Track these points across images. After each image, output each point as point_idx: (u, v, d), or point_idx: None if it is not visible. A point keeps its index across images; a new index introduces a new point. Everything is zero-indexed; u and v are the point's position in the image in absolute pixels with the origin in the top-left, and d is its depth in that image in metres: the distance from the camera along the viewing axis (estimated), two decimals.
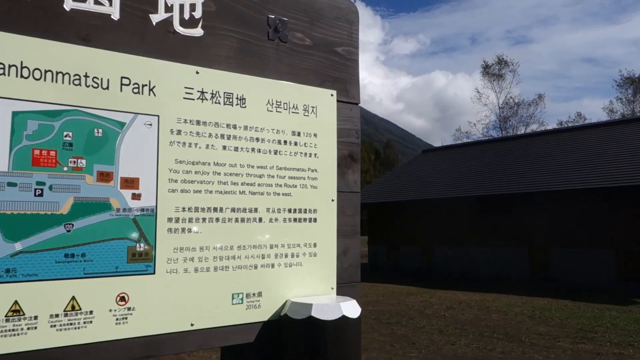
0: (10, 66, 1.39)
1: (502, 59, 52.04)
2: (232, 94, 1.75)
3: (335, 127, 1.99)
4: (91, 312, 1.46)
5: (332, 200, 1.96)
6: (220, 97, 1.72)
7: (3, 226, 1.35)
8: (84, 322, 1.45)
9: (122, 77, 1.55)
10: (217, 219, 1.69)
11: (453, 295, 14.55)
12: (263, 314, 1.77)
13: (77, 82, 1.47)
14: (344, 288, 1.98)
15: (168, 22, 1.64)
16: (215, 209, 1.68)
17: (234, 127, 1.74)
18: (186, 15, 1.67)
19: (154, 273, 1.56)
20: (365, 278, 19.32)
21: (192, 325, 1.63)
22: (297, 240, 1.86)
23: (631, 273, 15.04)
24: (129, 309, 1.52)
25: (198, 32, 1.70)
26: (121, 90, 1.54)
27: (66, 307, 1.43)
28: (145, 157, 1.57)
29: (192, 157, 1.65)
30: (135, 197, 1.54)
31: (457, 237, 19.52)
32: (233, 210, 1.72)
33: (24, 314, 1.37)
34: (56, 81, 1.44)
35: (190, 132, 1.66)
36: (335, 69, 2.01)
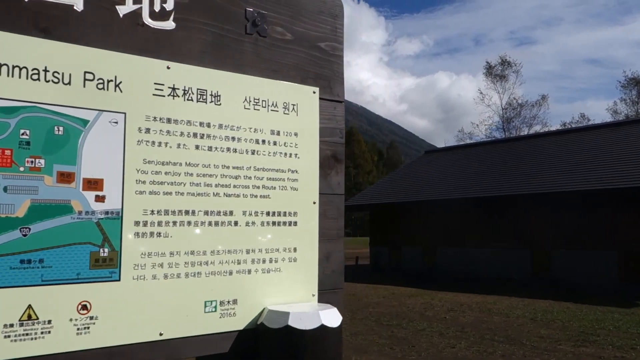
0: None
1: (505, 59, 51.87)
2: (206, 90, 1.66)
3: (318, 126, 1.90)
4: (49, 321, 1.37)
5: (314, 203, 1.87)
6: (193, 93, 1.63)
7: None
8: (42, 333, 1.36)
9: (85, 72, 1.46)
10: (189, 223, 1.60)
11: (454, 297, 14.44)
12: (238, 323, 1.68)
13: (35, 76, 1.39)
14: (326, 295, 1.88)
15: (136, 14, 1.55)
16: (187, 212, 1.59)
17: (208, 125, 1.65)
18: (156, 7, 1.59)
19: (119, 280, 1.47)
20: (366, 279, 19.25)
21: (160, 335, 1.54)
22: (276, 245, 1.77)
23: (634, 275, 14.90)
24: (91, 318, 1.43)
25: (169, 25, 1.61)
26: (84, 86, 1.45)
27: (22, 316, 1.34)
28: (110, 156, 1.48)
29: (161, 157, 1.56)
30: (99, 199, 1.45)
31: (459, 239, 19.40)
32: (206, 213, 1.63)
33: None
34: (12, 75, 1.36)
35: (160, 130, 1.57)
36: (318, 65, 1.92)
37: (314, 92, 1.89)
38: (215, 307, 1.64)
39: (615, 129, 19.44)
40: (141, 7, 1.56)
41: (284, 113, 1.82)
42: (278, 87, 1.81)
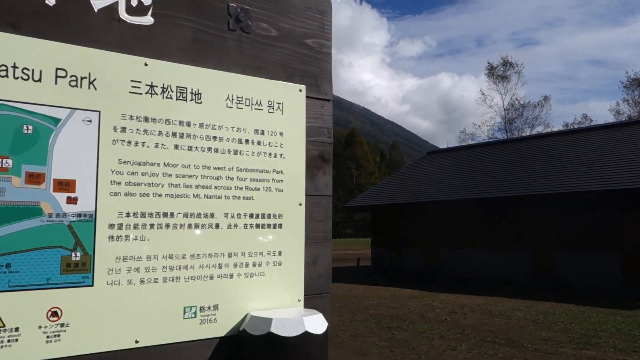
0: None
1: (507, 60, 51.76)
2: (186, 88, 1.59)
3: (304, 125, 1.83)
4: (17, 329, 1.31)
5: (300, 205, 1.81)
6: (172, 91, 1.57)
7: None
8: (8, 341, 1.30)
9: (57, 69, 1.40)
10: (168, 225, 1.54)
11: (456, 299, 14.36)
12: (219, 329, 1.62)
13: (3, 73, 1.33)
14: (313, 300, 1.82)
15: (112, 9, 1.49)
16: (165, 214, 1.53)
17: (188, 124, 1.59)
18: (134, 2, 1.53)
19: (92, 285, 1.41)
20: (367, 281, 19.17)
21: (136, 342, 1.47)
22: (260, 248, 1.71)
23: (637, 276, 14.79)
24: (62, 325, 1.37)
25: (147, 20, 1.55)
26: (56, 83, 1.39)
27: None
28: (83, 156, 1.42)
29: (138, 157, 1.50)
30: (71, 201, 1.39)
31: (460, 240, 19.32)
32: (186, 215, 1.57)
33: None
34: None
35: (137, 129, 1.51)
36: (305, 63, 1.86)
37: (300, 90, 1.83)
38: (195, 313, 1.58)
39: (617, 130, 19.33)
40: (117, 2, 1.50)
41: (269, 112, 1.76)
42: (262, 84, 1.75)
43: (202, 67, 1.63)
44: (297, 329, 1.55)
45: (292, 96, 1.81)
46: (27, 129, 1.35)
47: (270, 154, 1.75)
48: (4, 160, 1.31)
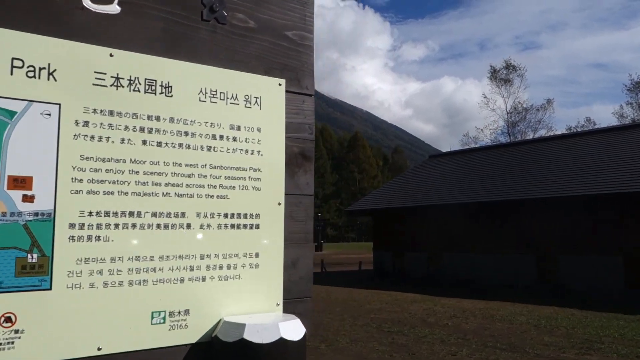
0: None
1: (509, 63, 51.64)
2: (155, 81, 1.51)
3: (284, 121, 1.75)
4: None
5: (279, 204, 1.72)
6: (140, 84, 1.48)
7: None
8: None
9: (13, 59, 1.32)
10: (134, 225, 1.45)
11: (458, 303, 14.23)
12: (191, 336, 1.53)
13: None
14: (292, 304, 1.73)
15: None
16: (131, 214, 1.44)
17: (157, 119, 1.51)
18: None
19: (50, 289, 1.33)
20: (369, 285, 19.05)
21: (99, 349, 1.38)
22: (235, 250, 1.62)
23: None
24: (16, 331, 1.28)
25: (114, 9, 1.46)
26: (12, 74, 1.31)
27: None
28: (41, 152, 1.33)
29: (102, 152, 1.42)
30: (27, 199, 1.30)
31: (463, 244, 19.19)
32: (154, 214, 1.48)
33: None
34: None
35: (101, 123, 1.42)
36: (285, 56, 1.77)
37: (280, 85, 1.75)
38: (164, 318, 1.49)
39: (620, 133, 19.19)
40: None
41: (245, 106, 1.67)
42: (238, 78, 1.66)
43: (174, 59, 1.55)
44: (272, 335, 1.46)
45: (270, 90, 1.72)
46: None
47: (246, 150, 1.66)
48: None
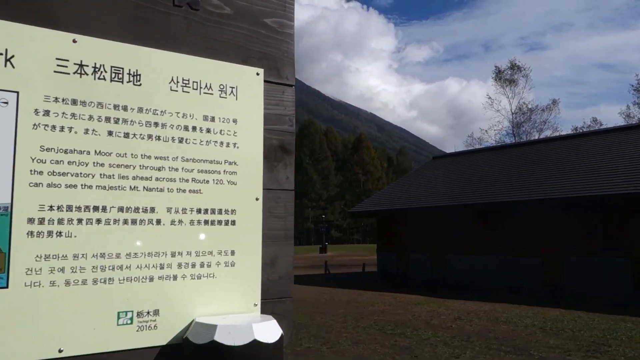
0: None
1: (514, 64, 51.43)
2: (122, 68, 1.43)
3: (262, 112, 1.67)
4: None
5: (257, 199, 1.64)
6: (105, 72, 1.41)
7: None
8: None
9: None
10: (99, 220, 1.37)
11: (462, 305, 14.11)
12: (160, 337, 1.45)
13: None
14: (271, 304, 1.65)
15: None
16: (96, 208, 1.37)
17: (124, 108, 1.43)
18: None
19: (6, 287, 1.25)
20: (373, 287, 18.94)
21: (60, 351, 1.31)
22: (209, 247, 1.54)
23: None
24: None
25: None
26: None
27: None
28: None
29: (64, 144, 1.34)
30: None
31: (468, 245, 19.06)
32: (121, 209, 1.40)
33: None
34: None
35: (63, 113, 1.35)
36: (263, 44, 1.69)
37: (258, 74, 1.67)
38: (132, 318, 1.41)
39: (627, 133, 19.01)
40: None
41: (220, 96, 1.59)
42: (213, 67, 1.59)
43: (142, 46, 1.47)
44: (245, 337, 1.38)
45: (247, 80, 1.64)
46: None
47: (221, 143, 1.58)
48: None
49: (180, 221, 1.49)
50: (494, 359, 8.22)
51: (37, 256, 1.29)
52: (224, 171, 1.58)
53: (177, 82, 1.52)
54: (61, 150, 1.33)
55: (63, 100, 1.35)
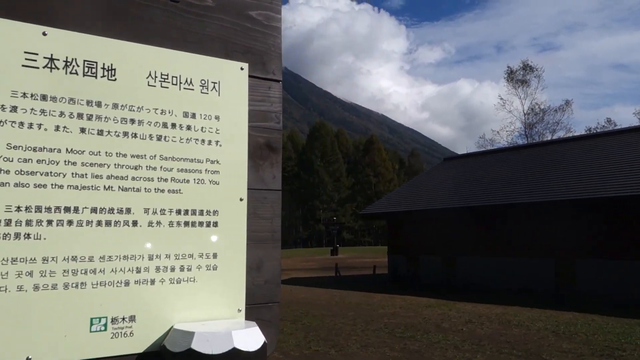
0: None
1: (527, 64, 51.00)
2: (96, 63, 1.37)
3: (247, 109, 1.60)
4: None
5: (241, 200, 1.56)
6: (78, 66, 1.34)
7: None
8: None
9: None
10: (70, 222, 1.30)
11: (473, 308, 13.95)
12: (136, 345, 1.38)
13: None
14: (257, 310, 1.57)
15: None
16: (67, 209, 1.30)
17: (98, 104, 1.36)
18: None
19: None
20: (384, 289, 18.80)
21: (28, 359, 1.24)
22: (190, 250, 1.47)
23: None
24: None
25: None
26: None
27: None
28: None
29: (33, 141, 1.28)
30: None
31: (479, 247, 18.87)
32: (94, 210, 1.34)
33: None
34: None
35: (32, 109, 1.28)
36: (248, 38, 1.62)
37: (242, 69, 1.60)
38: (105, 325, 1.34)
39: None
40: None
41: (202, 92, 1.52)
42: (194, 61, 1.52)
43: (118, 40, 1.41)
44: (223, 345, 1.31)
45: (231, 75, 1.57)
46: None
47: (203, 140, 1.51)
48: None
49: (159, 222, 1.42)
50: None
51: (4, 259, 1.22)
52: (206, 170, 1.51)
53: (155, 77, 1.45)
54: (30, 148, 1.27)
55: (32, 95, 1.28)
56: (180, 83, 1.49)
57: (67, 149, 1.31)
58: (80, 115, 1.33)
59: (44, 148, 1.28)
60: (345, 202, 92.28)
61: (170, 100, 1.46)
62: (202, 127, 1.51)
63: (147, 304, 1.39)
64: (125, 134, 1.39)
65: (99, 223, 1.34)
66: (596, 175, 16.38)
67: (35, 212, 1.26)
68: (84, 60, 1.35)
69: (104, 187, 1.35)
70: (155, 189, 1.42)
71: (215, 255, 1.51)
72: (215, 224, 1.51)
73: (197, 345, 1.30)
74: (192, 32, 1.52)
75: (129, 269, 1.37)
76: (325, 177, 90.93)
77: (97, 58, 1.37)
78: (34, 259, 1.26)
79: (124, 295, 1.36)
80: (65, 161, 1.30)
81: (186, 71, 1.50)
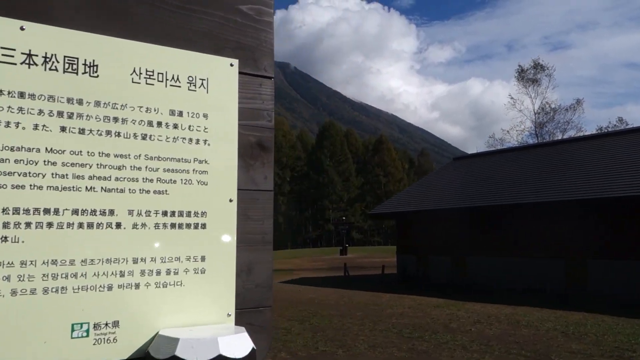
0: None
1: (537, 63, 50.60)
2: (77, 59, 1.32)
3: (237, 107, 1.54)
4: None
5: (231, 201, 1.51)
6: (58, 62, 1.30)
7: None
8: None
9: None
10: (50, 224, 1.26)
11: (482, 308, 13.83)
12: (120, 351, 1.33)
13: None
14: (247, 314, 1.52)
15: None
16: (47, 211, 1.25)
17: (80, 102, 1.31)
18: None
19: None
20: (392, 289, 18.72)
21: None
22: (177, 253, 1.42)
23: None
24: None
25: None
26: None
27: None
28: None
29: (10, 140, 1.23)
30: None
31: (488, 247, 18.73)
32: (75, 212, 1.29)
33: None
34: None
35: (9, 107, 1.23)
36: (239, 33, 1.57)
37: (232, 65, 1.54)
38: (87, 331, 1.29)
39: None
40: None
41: (189, 89, 1.47)
42: (181, 57, 1.46)
43: (101, 35, 1.36)
44: (209, 352, 1.25)
45: (220, 72, 1.52)
46: None
47: (190, 139, 1.46)
48: None
49: (144, 224, 1.37)
50: None
51: None
52: (194, 170, 1.46)
53: (140, 73, 1.40)
54: (7, 148, 1.22)
55: (9, 93, 1.23)
56: (167, 80, 1.44)
57: (46, 149, 1.26)
58: (60, 114, 1.28)
59: (22, 147, 1.24)
60: (354, 202, 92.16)
61: (155, 97, 1.41)
62: (190, 126, 1.46)
63: (132, 309, 1.34)
64: (108, 132, 1.34)
65: (80, 225, 1.29)
66: (607, 175, 16.20)
67: (13, 214, 1.22)
68: (65, 56, 1.30)
69: (86, 187, 1.30)
70: (140, 189, 1.37)
71: (203, 258, 1.45)
72: (204, 226, 1.46)
73: (182, 352, 1.24)
74: (180, 27, 1.47)
75: (112, 273, 1.32)
76: (334, 177, 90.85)
77: (79, 54, 1.32)
78: (12, 263, 1.21)
79: (107, 300, 1.31)
80: (44, 161, 1.26)
81: (173, 67, 1.45)
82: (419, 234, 21.46)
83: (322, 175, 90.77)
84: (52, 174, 1.26)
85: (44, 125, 1.26)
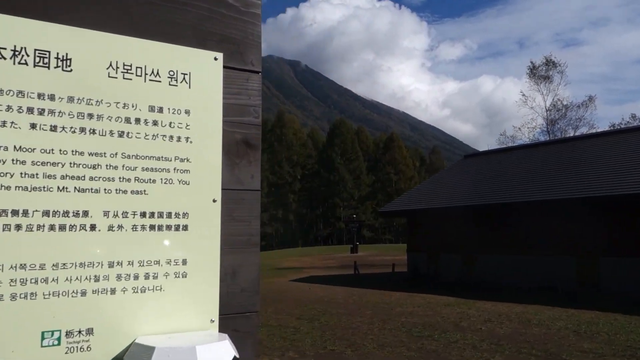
0: None
1: (549, 59, 50.09)
2: (49, 52, 1.25)
3: (221, 103, 1.47)
4: None
5: (214, 201, 1.44)
6: (27, 55, 1.23)
7: None
8: None
9: None
10: (19, 226, 1.19)
11: (493, 307, 13.70)
12: None
13: None
14: (232, 320, 1.45)
15: None
16: (15, 212, 1.19)
17: (51, 97, 1.25)
18: None
19: None
20: (402, 287, 18.61)
21: None
22: (156, 256, 1.35)
23: None
24: None
25: None
26: None
27: None
28: None
29: None
30: None
31: (500, 246, 18.56)
32: (46, 213, 1.22)
33: None
34: None
35: None
36: (224, 25, 1.49)
37: (216, 59, 1.47)
38: (59, 339, 1.22)
39: None
40: None
41: (170, 84, 1.40)
42: (161, 50, 1.39)
43: (75, 27, 1.29)
44: None
45: (203, 66, 1.44)
46: None
47: (171, 137, 1.39)
48: None
49: (120, 226, 1.30)
50: None
51: None
52: (175, 169, 1.38)
53: (117, 67, 1.33)
54: None
55: None
56: (146, 74, 1.36)
57: (15, 147, 1.19)
58: (30, 110, 1.22)
59: None
60: (365, 200, 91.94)
61: (134, 93, 1.34)
62: (171, 122, 1.39)
63: (107, 316, 1.28)
64: (82, 130, 1.27)
65: (51, 227, 1.22)
66: (620, 172, 15.97)
67: None
68: (35, 50, 1.23)
69: (58, 188, 1.23)
70: (116, 189, 1.30)
71: (184, 262, 1.38)
72: (185, 228, 1.39)
73: None
74: (160, 19, 1.39)
75: (86, 278, 1.25)
76: (345, 175, 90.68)
77: (50, 47, 1.25)
78: None
79: (80, 306, 1.25)
80: (13, 160, 1.19)
81: (152, 61, 1.37)
82: (430, 232, 21.32)
83: (333, 173, 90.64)
84: (21, 173, 1.20)
85: (12, 122, 1.20)
